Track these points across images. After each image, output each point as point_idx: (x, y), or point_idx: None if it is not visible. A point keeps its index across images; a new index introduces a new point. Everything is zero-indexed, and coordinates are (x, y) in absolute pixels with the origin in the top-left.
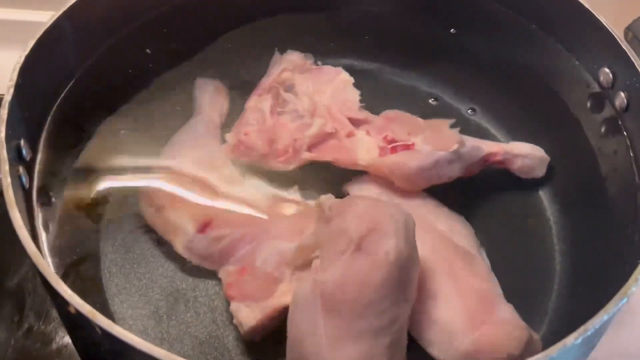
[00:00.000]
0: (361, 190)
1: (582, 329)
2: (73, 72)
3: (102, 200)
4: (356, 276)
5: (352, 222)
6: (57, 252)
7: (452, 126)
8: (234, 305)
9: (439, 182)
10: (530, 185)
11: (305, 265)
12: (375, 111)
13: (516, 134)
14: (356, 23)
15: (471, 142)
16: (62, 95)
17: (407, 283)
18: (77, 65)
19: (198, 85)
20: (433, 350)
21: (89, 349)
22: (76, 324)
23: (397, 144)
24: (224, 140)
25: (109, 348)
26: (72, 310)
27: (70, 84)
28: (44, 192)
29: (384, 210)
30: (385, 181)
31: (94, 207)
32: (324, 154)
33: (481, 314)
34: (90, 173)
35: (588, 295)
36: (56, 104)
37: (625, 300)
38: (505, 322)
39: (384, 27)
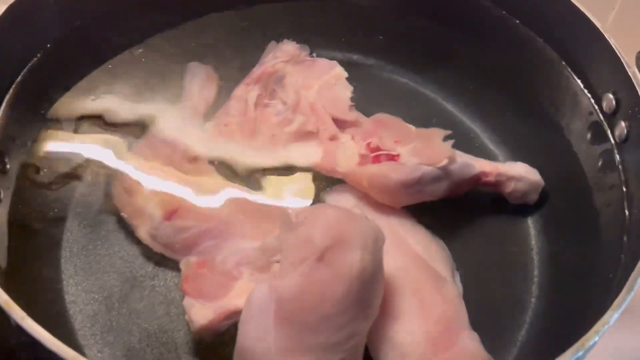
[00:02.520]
0: (338, 200)
1: None
2: (46, 40)
3: (71, 174)
4: (314, 287)
5: (318, 230)
6: (12, 224)
7: (447, 138)
8: (187, 301)
9: (421, 199)
10: (519, 210)
11: (266, 267)
12: (369, 111)
13: (516, 155)
14: (365, 17)
15: (463, 158)
16: (32, 62)
17: (368, 300)
18: (51, 34)
19: (190, 69)
20: None
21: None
22: None
23: (380, 152)
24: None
25: (26, 340)
26: None
27: (42, 51)
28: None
29: (353, 222)
30: (364, 193)
31: (65, 181)
32: (303, 156)
33: (443, 341)
34: (58, 142)
35: (559, 335)
36: (24, 70)
37: (581, 353)
38: (466, 352)
39: (394, 27)
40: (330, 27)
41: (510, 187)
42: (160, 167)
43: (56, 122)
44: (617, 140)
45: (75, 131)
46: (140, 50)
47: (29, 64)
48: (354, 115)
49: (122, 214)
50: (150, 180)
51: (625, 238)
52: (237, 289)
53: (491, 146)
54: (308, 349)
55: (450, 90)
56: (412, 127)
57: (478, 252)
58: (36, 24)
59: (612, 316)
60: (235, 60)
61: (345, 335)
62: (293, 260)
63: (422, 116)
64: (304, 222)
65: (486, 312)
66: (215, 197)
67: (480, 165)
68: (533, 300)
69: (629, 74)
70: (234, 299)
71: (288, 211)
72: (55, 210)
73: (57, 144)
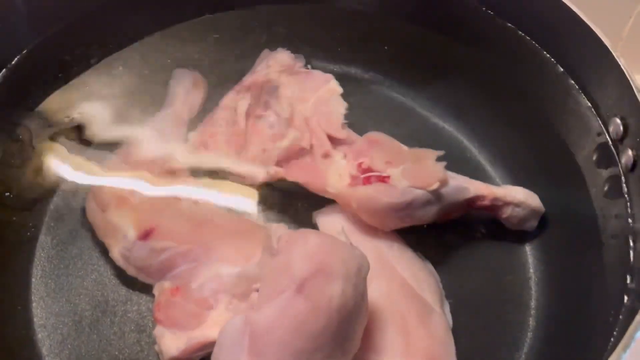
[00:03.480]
0: (327, 221)
1: None
2: (22, 45)
3: (48, 189)
4: (290, 321)
5: (298, 259)
6: None
7: (441, 158)
8: (158, 330)
9: (411, 223)
10: (517, 237)
11: (245, 295)
12: (364, 126)
13: (514, 178)
14: (365, 27)
15: (457, 180)
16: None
17: (348, 335)
18: (29, 39)
19: (175, 75)
20: None
21: None
22: None
23: (371, 174)
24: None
25: None
26: None
27: (19, 56)
28: None
29: (335, 251)
30: (355, 214)
31: (38, 194)
32: (294, 172)
33: None
34: (36, 151)
35: None
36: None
37: None
38: None
39: (395, 39)
40: (327, 36)
41: (507, 212)
42: (136, 179)
43: (28, 134)
44: (624, 169)
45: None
46: (122, 58)
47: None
48: (346, 133)
49: (95, 231)
50: (125, 194)
51: (628, 278)
52: (212, 319)
53: (488, 167)
54: None
55: (449, 108)
56: (404, 147)
57: (471, 280)
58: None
59: None
60: (224, 67)
61: None
62: (271, 291)
63: (418, 135)
64: (284, 249)
65: (477, 346)
66: (193, 214)
67: (475, 188)
68: (529, 334)
69: (638, 99)
70: (208, 330)
71: (270, 235)
72: (29, 224)
73: (30, 158)
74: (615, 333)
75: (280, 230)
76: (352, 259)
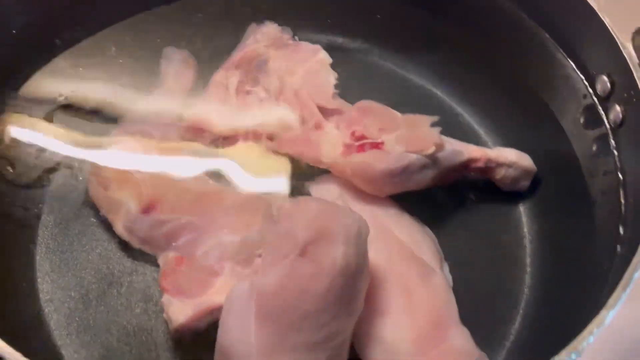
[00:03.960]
0: (322, 190)
1: None
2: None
3: (48, 167)
4: (296, 283)
5: (300, 224)
6: None
7: (435, 124)
8: (165, 298)
9: (407, 189)
10: (510, 197)
11: (248, 262)
12: (356, 96)
13: (505, 140)
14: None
15: (451, 144)
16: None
17: (352, 296)
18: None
19: (165, 54)
20: None
21: None
22: None
23: (365, 141)
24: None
25: None
26: None
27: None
28: None
29: (336, 215)
30: (350, 182)
31: (39, 174)
32: (287, 145)
33: (431, 338)
34: (32, 130)
35: (553, 329)
36: None
37: (574, 356)
38: (455, 350)
39: (379, 8)
40: (314, 7)
41: (500, 173)
42: (136, 156)
43: (26, 110)
44: (612, 125)
45: (47, 120)
46: (113, 35)
47: None
48: (338, 103)
49: (98, 207)
50: (126, 170)
51: (621, 228)
52: (218, 285)
53: (480, 131)
54: (291, 348)
55: (439, 75)
56: (397, 114)
57: (467, 241)
58: None
59: (607, 316)
60: (212, 43)
61: (328, 332)
62: (275, 256)
63: (409, 102)
64: (285, 216)
65: (477, 304)
66: (193, 187)
67: (469, 151)
68: (526, 291)
69: (624, 55)
70: (215, 296)
71: (270, 204)
72: (30, 204)
73: (29, 135)
74: (608, 280)
75: (280, 198)
76: (352, 222)
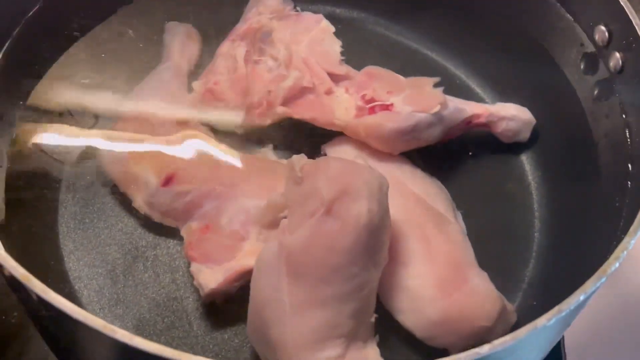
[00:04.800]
0: (338, 152)
1: (555, 309)
2: (26, 10)
3: (60, 148)
4: (324, 239)
5: (323, 183)
6: (8, 202)
7: (436, 85)
8: (194, 267)
9: (417, 145)
10: (512, 148)
11: (273, 224)
12: (356, 64)
13: (503, 95)
14: None
15: (454, 102)
16: (13, 35)
17: (377, 248)
18: (31, 3)
19: (168, 29)
20: (402, 318)
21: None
22: (14, 286)
23: (375, 103)
24: (191, 89)
25: (46, 314)
26: (6, 274)
27: (22, 22)
28: None
29: (357, 172)
30: (363, 143)
31: (53, 155)
32: (301, 110)
33: (453, 282)
34: (45, 117)
35: (567, 267)
36: (6, 44)
37: (604, 279)
38: (477, 292)
39: None
40: None
41: (502, 126)
42: (150, 131)
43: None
44: (613, 71)
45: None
46: (112, 21)
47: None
48: (345, 68)
49: (116, 184)
50: (141, 147)
51: (629, 165)
52: (246, 249)
53: (478, 90)
54: (322, 301)
55: (432, 38)
56: (401, 78)
57: (476, 191)
58: None
59: (629, 242)
60: (214, 17)
61: (357, 284)
62: (301, 215)
63: (407, 67)
64: (308, 175)
65: (490, 250)
66: (211, 157)
67: (471, 108)
68: (536, 234)
69: (621, 3)
70: (243, 259)
71: (292, 166)
72: (47, 186)
73: (40, 129)
74: (623, 214)
75: (301, 160)
76: (373, 178)
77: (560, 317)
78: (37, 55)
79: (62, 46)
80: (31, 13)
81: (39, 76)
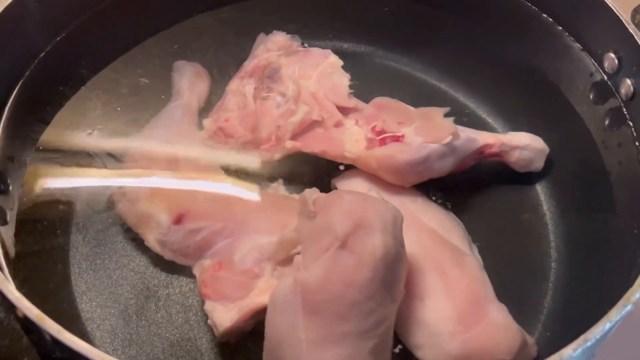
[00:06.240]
0: (349, 185)
1: (581, 339)
2: (37, 52)
3: (71, 189)
4: (340, 275)
5: (337, 218)
6: (19, 244)
7: (447, 115)
8: (208, 305)
9: (430, 177)
10: (526, 179)
11: (287, 261)
12: (365, 97)
13: (514, 125)
14: (354, 3)
15: (466, 132)
16: (24, 77)
17: (393, 282)
18: (42, 45)
19: (176, 68)
20: (421, 354)
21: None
22: (28, 328)
23: (386, 135)
24: (202, 127)
25: (60, 355)
26: (20, 315)
27: (33, 65)
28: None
29: (371, 206)
30: (374, 176)
31: (63, 197)
32: (310, 144)
33: (472, 316)
34: (55, 159)
35: (586, 297)
36: (17, 86)
37: (629, 307)
38: (497, 325)
39: (378, 9)
40: (318, 16)
41: (514, 156)
42: (160, 169)
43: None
44: (624, 98)
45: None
46: (122, 62)
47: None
48: (354, 101)
49: (128, 223)
50: (152, 184)
51: None
52: (259, 286)
53: (489, 119)
54: (340, 338)
55: (441, 69)
56: (411, 108)
57: (491, 223)
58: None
59: None
60: (222, 57)
61: (375, 320)
62: (315, 251)
63: (417, 97)
64: (321, 210)
65: (508, 281)
66: (223, 194)
67: (483, 137)
68: (553, 264)
69: (630, 31)
70: (258, 297)
71: (304, 201)
72: (58, 227)
73: (51, 170)
74: None
75: (314, 194)
76: (387, 211)
77: (586, 347)
78: (48, 97)
79: (73, 88)
80: (42, 54)
81: (50, 118)
